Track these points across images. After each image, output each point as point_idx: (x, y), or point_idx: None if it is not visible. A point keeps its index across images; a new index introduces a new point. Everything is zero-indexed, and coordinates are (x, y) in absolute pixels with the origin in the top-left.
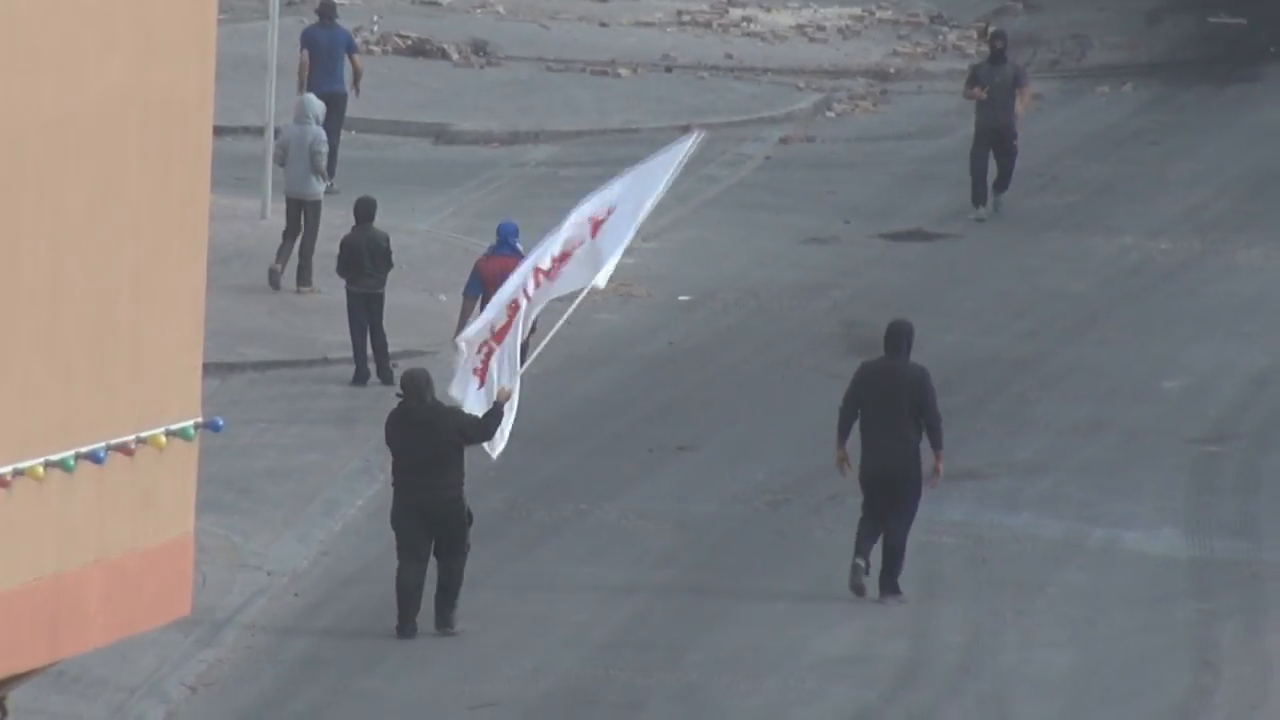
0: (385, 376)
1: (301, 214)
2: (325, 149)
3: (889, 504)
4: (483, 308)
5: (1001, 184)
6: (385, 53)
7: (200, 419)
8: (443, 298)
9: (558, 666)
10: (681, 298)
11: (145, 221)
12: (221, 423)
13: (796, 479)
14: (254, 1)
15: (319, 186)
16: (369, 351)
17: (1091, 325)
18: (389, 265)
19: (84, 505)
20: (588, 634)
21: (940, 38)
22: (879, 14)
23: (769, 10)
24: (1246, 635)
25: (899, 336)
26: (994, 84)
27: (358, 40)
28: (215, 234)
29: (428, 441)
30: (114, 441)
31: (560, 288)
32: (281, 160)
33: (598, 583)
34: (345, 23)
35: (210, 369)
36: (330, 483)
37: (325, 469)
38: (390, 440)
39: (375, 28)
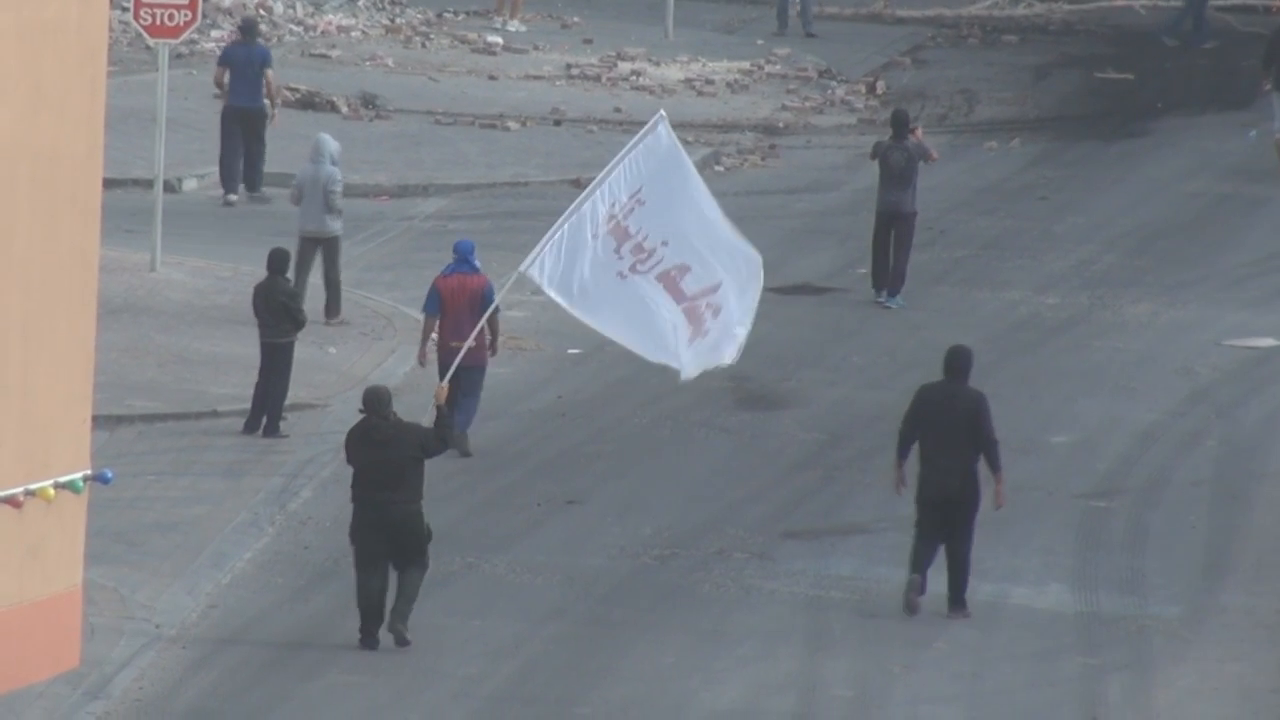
0: (271, 430)
1: (317, 251)
2: (339, 187)
3: (948, 524)
4: (441, 324)
5: (896, 281)
6: (275, 105)
7: (89, 471)
8: (332, 350)
9: None
10: (571, 351)
11: (34, 273)
12: (110, 475)
13: (684, 533)
14: (144, 54)
15: (335, 223)
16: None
17: (979, 380)
18: (289, 318)
19: None
20: (476, 687)
21: (829, 92)
22: (768, 68)
23: (658, 64)
24: (1133, 690)
25: (957, 362)
26: (892, 163)
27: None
28: (105, 286)
29: (389, 457)
30: (2, 494)
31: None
32: (296, 199)
33: (486, 636)
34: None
35: (99, 421)
36: (218, 535)
37: (213, 522)
38: (351, 455)
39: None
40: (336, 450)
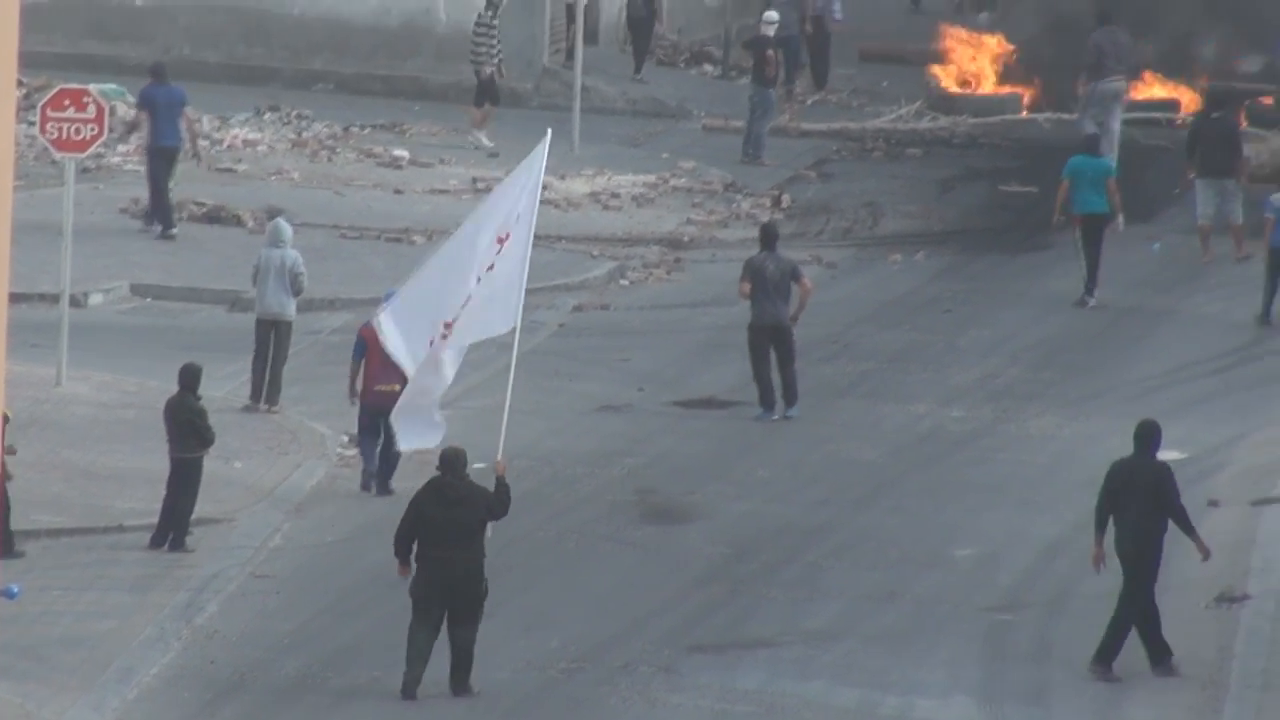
0: (177, 545)
1: (273, 334)
2: (304, 270)
3: (1128, 578)
4: (367, 370)
5: (789, 395)
6: (181, 219)
7: None
8: (238, 464)
9: None
10: (475, 465)
11: None
12: (16, 590)
13: (590, 646)
14: (50, 169)
15: (293, 308)
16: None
17: (884, 493)
18: (194, 434)
19: None
20: None
21: (734, 206)
22: (673, 182)
23: (563, 178)
24: None
25: (1141, 436)
26: (769, 275)
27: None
28: (10, 401)
29: (460, 516)
30: None
31: (470, 328)
32: (254, 281)
33: None
34: (139, 187)
35: None
36: (125, 650)
37: (120, 636)
38: (421, 513)
39: (171, 195)
40: (243, 565)
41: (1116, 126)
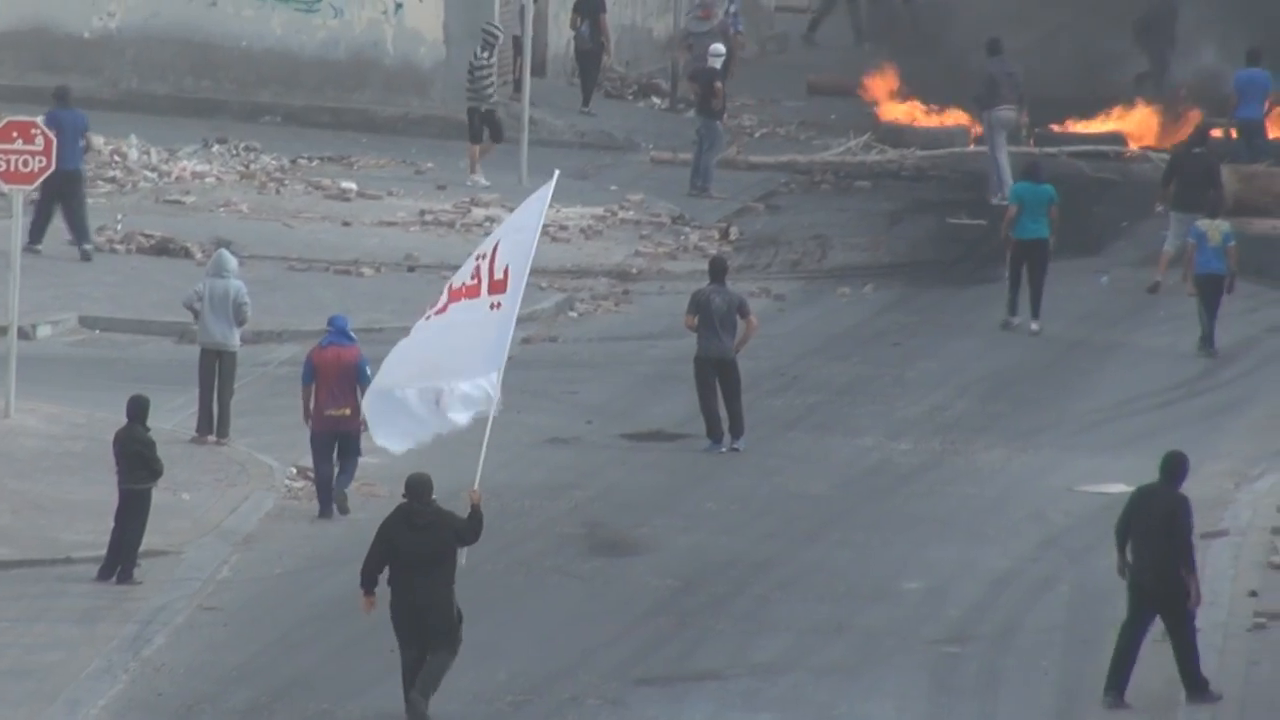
0: (125, 577)
1: (218, 364)
2: (248, 301)
3: (1163, 614)
4: (318, 394)
5: (736, 428)
6: (129, 251)
7: None
8: (186, 496)
9: None
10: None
11: None
12: None
13: (539, 679)
14: None
15: (237, 338)
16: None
17: (832, 526)
18: (144, 466)
19: None
20: None
21: (682, 238)
22: (621, 214)
23: (511, 210)
24: None
25: (1165, 466)
26: (715, 308)
27: (101, 239)
28: None
29: (428, 541)
30: None
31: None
32: (193, 305)
33: None
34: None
35: None
36: (72, 682)
37: (67, 669)
38: (390, 540)
39: (119, 226)
40: (191, 597)
41: (1003, 156)
